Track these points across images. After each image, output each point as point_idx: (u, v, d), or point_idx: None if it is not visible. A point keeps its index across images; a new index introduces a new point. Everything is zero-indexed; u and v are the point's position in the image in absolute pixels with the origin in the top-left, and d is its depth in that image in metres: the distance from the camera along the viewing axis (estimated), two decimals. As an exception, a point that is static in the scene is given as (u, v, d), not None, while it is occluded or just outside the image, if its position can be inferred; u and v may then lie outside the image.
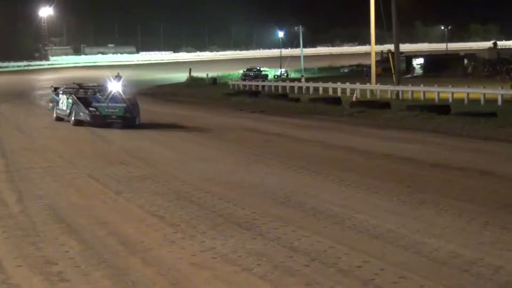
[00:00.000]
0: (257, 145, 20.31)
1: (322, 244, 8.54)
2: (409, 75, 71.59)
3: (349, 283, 6.99)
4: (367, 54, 54.84)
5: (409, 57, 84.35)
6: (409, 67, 79.56)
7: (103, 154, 18.24)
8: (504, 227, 9.48)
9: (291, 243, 8.59)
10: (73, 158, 17.00)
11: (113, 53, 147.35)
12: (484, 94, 39.38)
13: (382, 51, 61.49)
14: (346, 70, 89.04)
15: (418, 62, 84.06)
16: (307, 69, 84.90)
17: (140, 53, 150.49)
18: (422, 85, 45.82)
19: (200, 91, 59.51)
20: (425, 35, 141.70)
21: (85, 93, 28.27)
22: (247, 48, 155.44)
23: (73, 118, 26.52)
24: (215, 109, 37.46)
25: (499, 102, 36.75)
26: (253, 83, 65.58)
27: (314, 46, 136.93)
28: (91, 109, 25.90)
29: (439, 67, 77.46)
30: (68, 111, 27.26)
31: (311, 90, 54.61)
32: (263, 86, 61.48)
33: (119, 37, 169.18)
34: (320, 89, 53.64)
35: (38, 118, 32.24)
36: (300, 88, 57.24)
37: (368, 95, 45.98)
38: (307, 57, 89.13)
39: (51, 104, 31.10)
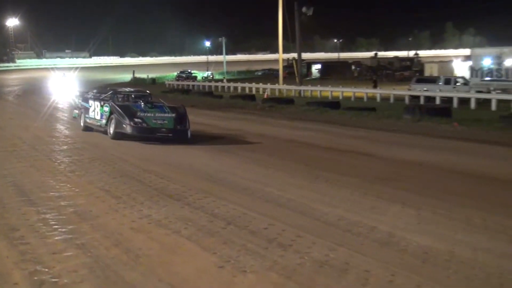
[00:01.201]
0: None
1: (237, 211, 8.64)
2: (308, 78, 72.62)
3: (258, 241, 7.11)
4: (276, 61, 55.30)
5: (309, 63, 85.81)
6: (309, 71, 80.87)
7: (59, 139, 17.75)
8: (379, 196, 9.77)
9: (212, 211, 8.66)
10: (35, 143, 16.49)
11: (70, 57, 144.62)
12: (367, 93, 40.32)
13: (288, 58, 62.04)
14: (259, 73, 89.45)
15: (316, 67, 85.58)
16: (228, 72, 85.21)
17: (92, 57, 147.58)
18: (319, 86, 46.56)
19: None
20: (321, 46, 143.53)
21: (124, 100, 18.60)
22: (180, 54, 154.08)
23: (112, 131, 17.06)
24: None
25: (378, 99, 37.65)
26: (185, 83, 65.39)
27: (234, 53, 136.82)
28: (136, 120, 16.54)
29: (332, 71, 79.02)
30: (103, 121, 17.68)
31: (231, 89, 54.81)
32: (193, 86, 61.25)
33: (75, 44, 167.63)
34: (239, 88, 53.97)
35: (5, 111, 30.49)
36: (222, 87, 57.32)
37: (277, 93, 46.42)
38: (228, 63, 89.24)
39: (76, 111, 20.93)
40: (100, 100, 18.41)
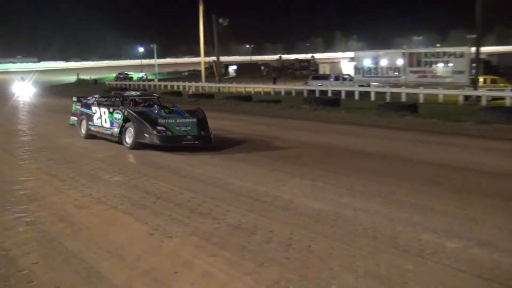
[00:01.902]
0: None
1: (165, 187, 8.56)
2: (226, 77, 72.33)
3: (182, 211, 7.09)
4: (199, 63, 54.63)
5: (227, 65, 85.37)
6: (226, 71, 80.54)
7: (10, 132, 16.82)
8: (282, 171, 9.92)
9: (144, 188, 8.53)
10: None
11: (21, 62, 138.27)
12: (273, 88, 40.64)
13: (209, 61, 61.77)
14: (186, 74, 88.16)
15: (232, 68, 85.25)
16: (159, 73, 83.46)
17: (41, 62, 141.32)
18: (234, 83, 46.33)
19: (85, 89, 56.98)
20: (236, 50, 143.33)
21: (134, 105, 13.83)
22: (118, 59, 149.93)
23: (130, 140, 12.72)
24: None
25: (283, 93, 38.04)
26: (123, 82, 63.60)
27: (164, 57, 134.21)
28: (159, 128, 12.39)
29: (246, 71, 79.12)
30: (115, 129, 13.32)
31: (162, 87, 53.90)
32: (129, 85, 59.59)
33: (25, 50, 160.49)
34: (168, 86, 53.30)
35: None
36: (155, 86, 56.17)
37: (200, 90, 45.93)
38: (159, 65, 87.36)
39: (74, 118, 16.15)
40: (107, 106, 13.88)
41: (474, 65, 30.51)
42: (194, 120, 12.89)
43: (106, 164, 10.90)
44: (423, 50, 34.58)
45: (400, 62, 34.40)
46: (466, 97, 27.70)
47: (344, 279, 4.69)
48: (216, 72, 53.54)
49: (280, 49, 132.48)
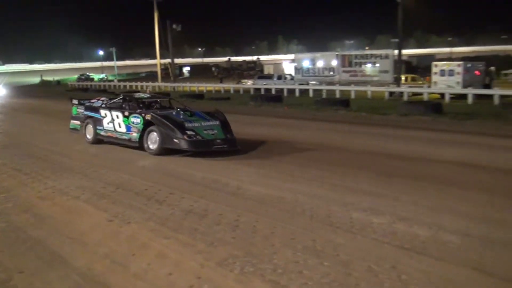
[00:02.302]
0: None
1: (123, 178, 8.37)
2: (181, 77, 71.35)
3: (140, 199, 6.98)
4: (156, 65, 53.73)
5: (181, 66, 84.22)
6: (181, 72, 79.43)
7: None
8: (232, 160, 9.88)
9: (105, 179, 8.30)
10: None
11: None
12: (224, 88, 40.51)
13: (165, 63, 60.70)
14: (143, 75, 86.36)
15: (186, 69, 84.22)
16: (119, 74, 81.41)
17: (5, 65, 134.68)
18: (188, 83, 45.96)
19: (48, 89, 55.09)
20: (190, 53, 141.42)
21: (147, 108, 11.48)
22: (80, 61, 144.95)
23: (154, 146, 10.52)
24: (55, 100, 34.18)
25: (232, 91, 37.94)
26: (85, 83, 61.68)
27: (123, 59, 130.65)
28: (189, 132, 10.29)
29: (198, 72, 78.40)
30: (134, 134, 10.98)
31: (121, 87, 52.65)
32: (91, 85, 57.80)
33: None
34: (128, 86, 52.17)
35: None
36: (115, 86, 54.80)
37: (157, 89, 45.17)
38: (119, 67, 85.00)
39: (75, 123, 13.29)
40: (120, 110, 11.47)
41: (398, 65, 31.46)
42: (218, 122, 10.92)
43: (67, 158, 10.56)
44: (354, 52, 35.33)
45: (334, 63, 35.01)
46: (391, 93, 28.53)
47: (284, 254, 4.74)
48: (171, 73, 52.98)
49: (229, 52, 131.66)
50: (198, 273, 4.35)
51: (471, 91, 24.80)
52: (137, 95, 13.03)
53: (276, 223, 5.75)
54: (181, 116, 10.77)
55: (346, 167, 9.12)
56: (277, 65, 61.35)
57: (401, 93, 27.85)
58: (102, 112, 11.93)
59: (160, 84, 47.29)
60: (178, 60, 77.29)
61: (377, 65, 31.84)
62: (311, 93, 31.40)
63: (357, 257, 4.64)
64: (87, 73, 78.33)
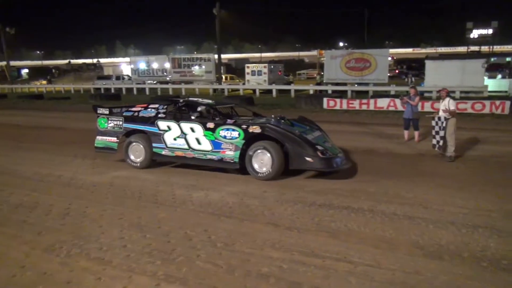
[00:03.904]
0: None
1: None
2: (19, 79, 62.10)
3: (-38, 200, 5.81)
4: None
5: (19, 68, 72.37)
6: (19, 74, 68.78)
7: None
8: (65, 154, 8.99)
9: None
10: None
11: None
12: (64, 87, 36.61)
13: (0, 65, 52.13)
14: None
15: (24, 71, 72.65)
16: None
17: None
18: (26, 84, 40.39)
19: None
20: (28, 55, 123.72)
21: (224, 118, 7.20)
22: None
23: (267, 168, 6.50)
24: None
25: (72, 91, 34.54)
26: None
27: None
28: (320, 148, 6.52)
29: (39, 74, 68.97)
30: (230, 153, 6.78)
31: None
32: None
33: None
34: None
35: None
36: None
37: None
38: None
39: (107, 140, 7.88)
40: (201, 123, 7.08)
41: (219, 67, 32.39)
42: (321, 133, 7.52)
43: None
44: (183, 56, 35.21)
45: (167, 65, 34.45)
46: (214, 90, 29.35)
47: (111, 232, 4.50)
48: (7, 74, 45.83)
49: (70, 55, 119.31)
50: (22, 262, 3.84)
51: (275, 87, 26.95)
52: (196, 100, 8.24)
53: (106, 206, 5.42)
54: (292, 127, 7.07)
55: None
56: (116, 67, 57.86)
57: (223, 89, 28.86)
58: (162, 124, 7.39)
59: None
60: (15, 62, 67.13)
61: (203, 66, 32.36)
62: (147, 91, 30.44)
63: (176, 227, 4.64)
64: None
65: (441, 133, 7.90)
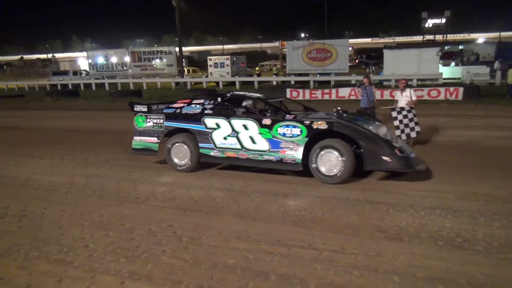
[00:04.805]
0: None
1: None
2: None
3: None
4: None
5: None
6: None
7: None
8: (22, 154, 8.60)
9: None
10: None
11: None
12: (17, 84, 34.87)
13: None
14: None
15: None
16: None
17: None
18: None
19: None
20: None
21: (276, 114, 6.34)
22: None
23: (337, 170, 5.70)
24: None
25: (27, 88, 32.97)
26: None
27: None
28: (397, 145, 5.77)
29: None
30: (292, 153, 5.95)
31: None
32: None
33: None
34: None
35: None
36: None
37: None
38: None
39: (146, 140, 7.06)
40: (256, 120, 6.25)
41: (181, 60, 31.89)
42: (389, 129, 6.59)
43: None
44: (143, 49, 34.38)
45: (127, 59, 33.55)
46: (177, 83, 28.92)
47: (71, 233, 4.35)
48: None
49: (22, 50, 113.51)
50: (-24, 269, 3.66)
51: (238, 79, 26.87)
52: (244, 93, 7.49)
53: (66, 206, 5.24)
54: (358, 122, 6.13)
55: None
56: (72, 62, 55.88)
57: (185, 83, 28.47)
58: (210, 121, 6.58)
59: None
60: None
61: (164, 60, 31.75)
62: (107, 87, 29.56)
63: (140, 224, 4.56)
64: None
65: (411, 124, 7.81)
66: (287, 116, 6.17)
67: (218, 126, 6.51)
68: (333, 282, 3.23)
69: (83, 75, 34.90)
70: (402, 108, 7.98)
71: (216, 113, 6.58)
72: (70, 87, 30.26)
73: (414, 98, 8.23)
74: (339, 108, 6.31)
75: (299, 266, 3.50)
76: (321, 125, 5.84)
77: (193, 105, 6.85)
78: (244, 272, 3.42)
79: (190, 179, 6.29)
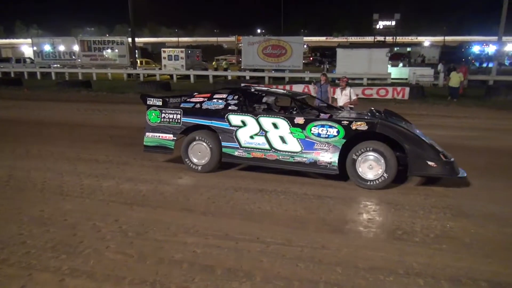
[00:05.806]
0: None
1: None
2: None
3: None
4: None
5: None
6: None
7: None
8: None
9: None
10: None
11: None
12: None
13: None
14: None
15: None
16: None
17: None
18: None
19: None
20: None
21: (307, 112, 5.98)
22: None
23: (379, 174, 5.31)
24: None
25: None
26: None
27: None
28: (440, 149, 5.37)
29: None
30: (327, 154, 5.50)
31: None
32: None
33: None
34: None
35: None
36: None
37: None
38: None
39: (160, 137, 6.39)
40: (287, 118, 5.73)
41: (133, 51, 30.93)
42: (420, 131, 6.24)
43: None
44: (93, 38, 32.93)
45: (76, 48, 32.05)
46: (129, 75, 28.08)
47: (8, 229, 4.09)
48: None
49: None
50: None
51: (192, 73, 26.51)
52: (268, 89, 6.97)
53: (3, 201, 4.94)
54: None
55: (84, 141, 8.54)
56: (15, 49, 52.58)
57: (138, 74, 27.70)
58: (235, 118, 6.00)
59: None
60: None
61: (116, 50, 30.66)
62: (53, 76, 28.13)
63: (83, 219, 4.39)
64: None
65: None
66: (322, 115, 5.73)
67: (244, 124, 5.96)
68: (278, 275, 3.29)
69: (27, 63, 32.97)
70: (342, 108, 7.70)
71: (242, 109, 6.02)
72: (12, 75, 28.51)
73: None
74: (372, 108, 6.00)
75: (246, 259, 3.52)
76: (361, 125, 5.44)
77: (214, 100, 6.25)
78: (190, 267, 3.40)
79: (138, 174, 6.14)
